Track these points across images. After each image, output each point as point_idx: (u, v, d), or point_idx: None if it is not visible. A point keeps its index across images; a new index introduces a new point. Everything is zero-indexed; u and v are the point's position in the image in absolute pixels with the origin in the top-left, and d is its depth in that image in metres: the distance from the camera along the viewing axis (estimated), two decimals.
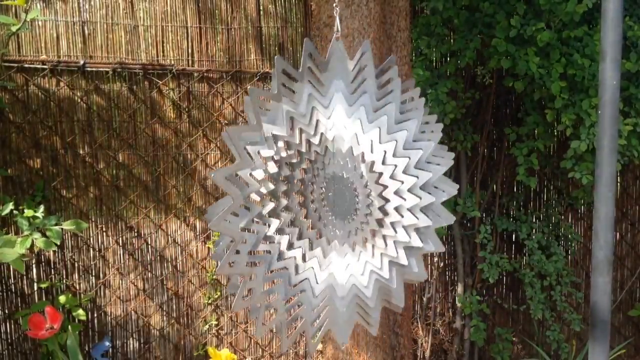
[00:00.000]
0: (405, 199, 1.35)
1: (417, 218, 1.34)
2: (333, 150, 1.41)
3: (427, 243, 1.36)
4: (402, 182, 1.35)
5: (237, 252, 1.36)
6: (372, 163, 1.37)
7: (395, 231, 1.36)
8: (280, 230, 1.41)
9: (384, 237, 1.38)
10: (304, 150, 1.40)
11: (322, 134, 1.40)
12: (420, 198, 1.34)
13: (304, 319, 1.42)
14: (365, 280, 1.38)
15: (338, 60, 1.38)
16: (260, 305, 1.39)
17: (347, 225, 1.43)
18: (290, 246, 1.41)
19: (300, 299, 1.40)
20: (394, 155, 1.36)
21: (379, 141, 1.37)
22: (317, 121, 1.39)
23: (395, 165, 1.36)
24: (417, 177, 1.34)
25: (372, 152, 1.37)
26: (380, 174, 1.38)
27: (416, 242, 1.35)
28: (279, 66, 1.35)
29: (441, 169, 1.37)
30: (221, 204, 1.35)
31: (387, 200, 1.38)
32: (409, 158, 1.35)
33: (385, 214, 1.38)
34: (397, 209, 1.36)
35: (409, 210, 1.35)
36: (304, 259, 1.41)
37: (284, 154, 1.38)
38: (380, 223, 1.38)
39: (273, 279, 1.40)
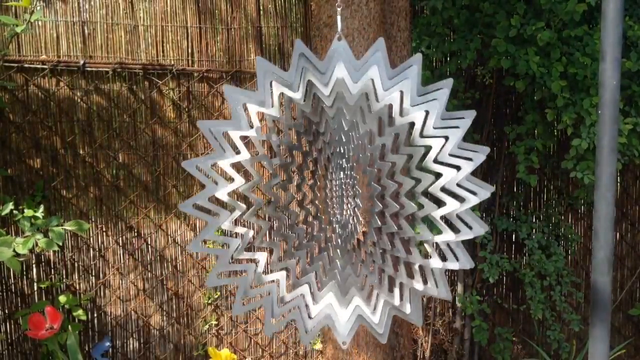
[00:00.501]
0: (423, 206, 1.13)
1: (459, 230, 1.12)
2: (332, 116, 1.24)
3: (460, 260, 1.16)
4: (419, 181, 1.10)
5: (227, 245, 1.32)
6: (396, 138, 1.08)
7: (430, 256, 1.16)
8: (252, 245, 1.32)
9: (408, 265, 1.18)
10: (291, 122, 1.26)
11: (317, 97, 1.22)
12: (441, 203, 1.10)
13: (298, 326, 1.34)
14: (377, 317, 1.23)
15: (340, 57, 1.23)
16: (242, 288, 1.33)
17: (344, 240, 1.29)
18: (274, 266, 1.31)
19: (294, 317, 1.30)
20: (422, 134, 1.08)
21: (400, 112, 1.09)
22: (309, 82, 1.21)
23: (410, 155, 1.08)
24: (436, 175, 1.09)
25: (390, 125, 1.10)
26: (393, 163, 1.10)
27: (452, 265, 1.14)
28: (261, 69, 1.25)
29: (470, 164, 1.10)
30: (200, 196, 1.33)
31: (402, 207, 1.15)
32: (446, 138, 1.06)
33: (396, 229, 1.17)
34: (409, 217, 1.13)
35: (445, 217, 1.13)
36: (298, 276, 1.31)
37: (285, 139, 1.29)
38: (405, 246, 1.18)
39: (262, 291, 1.33)
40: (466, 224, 1.13)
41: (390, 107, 1.11)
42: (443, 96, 1.09)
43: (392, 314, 1.23)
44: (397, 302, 1.20)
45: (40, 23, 2.75)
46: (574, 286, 3.43)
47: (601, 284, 1.58)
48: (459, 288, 3.36)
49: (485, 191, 1.10)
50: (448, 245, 1.14)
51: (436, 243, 1.18)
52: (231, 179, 1.32)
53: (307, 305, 1.29)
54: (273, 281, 1.34)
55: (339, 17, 1.39)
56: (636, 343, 3.73)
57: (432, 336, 3.40)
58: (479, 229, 1.12)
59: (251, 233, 1.33)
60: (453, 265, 1.13)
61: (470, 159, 1.08)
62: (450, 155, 1.08)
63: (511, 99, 3.40)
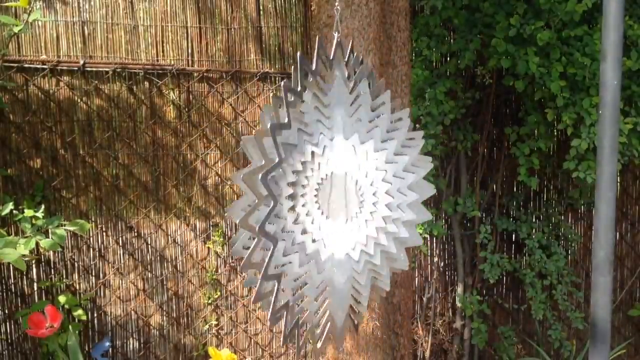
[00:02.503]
0: (393, 197, 1.56)
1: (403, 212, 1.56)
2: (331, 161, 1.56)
3: (402, 231, 1.57)
4: (391, 184, 1.57)
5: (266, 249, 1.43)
6: (367, 172, 1.60)
7: (385, 222, 1.55)
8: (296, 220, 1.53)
9: (376, 229, 1.56)
10: (309, 159, 1.52)
11: (325, 146, 1.53)
12: (393, 197, 1.57)
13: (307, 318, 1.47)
14: (357, 255, 1.55)
15: (340, 90, 1.52)
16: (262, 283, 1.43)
17: (342, 213, 1.57)
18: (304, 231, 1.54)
19: (309, 266, 1.50)
20: (386, 161, 1.59)
21: (366, 157, 1.58)
22: (324, 146, 1.53)
23: (385, 171, 1.58)
24: (391, 183, 1.57)
25: (367, 159, 1.58)
26: (385, 171, 1.55)
27: (392, 228, 1.55)
28: (300, 65, 1.42)
29: (420, 171, 1.60)
30: (240, 203, 1.45)
31: (392, 197, 1.56)
32: (397, 162, 1.59)
33: (389, 210, 1.56)
34: (374, 204, 1.57)
35: (387, 206, 1.55)
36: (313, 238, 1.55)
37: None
38: (371, 215, 1.57)
39: (292, 252, 1.49)
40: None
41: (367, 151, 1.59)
42: (398, 140, 1.60)
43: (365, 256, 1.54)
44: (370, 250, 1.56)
45: (40, 23, 2.75)
46: (574, 286, 3.43)
47: (601, 284, 1.59)
48: (459, 288, 3.36)
49: (413, 194, 1.59)
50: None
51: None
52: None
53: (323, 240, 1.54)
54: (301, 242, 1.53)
55: (337, 19, 1.40)
56: (636, 343, 3.73)
57: (432, 336, 3.40)
58: (422, 216, 1.60)
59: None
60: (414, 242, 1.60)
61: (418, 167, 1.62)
62: (395, 176, 1.59)
63: (511, 99, 3.41)
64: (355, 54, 1.58)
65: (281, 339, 1.55)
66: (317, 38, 1.43)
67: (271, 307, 1.43)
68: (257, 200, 1.39)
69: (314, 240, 1.54)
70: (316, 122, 1.51)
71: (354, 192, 1.58)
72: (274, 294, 1.42)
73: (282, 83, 1.41)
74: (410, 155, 1.61)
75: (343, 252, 1.56)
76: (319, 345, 1.65)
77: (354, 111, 1.56)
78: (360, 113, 1.57)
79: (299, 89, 1.45)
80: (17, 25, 2.39)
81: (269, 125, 1.38)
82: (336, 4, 1.48)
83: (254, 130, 2.99)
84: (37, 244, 2.37)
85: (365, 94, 1.58)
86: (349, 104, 1.55)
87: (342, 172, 1.58)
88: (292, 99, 1.43)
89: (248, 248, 1.43)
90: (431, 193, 1.63)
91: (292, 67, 1.42)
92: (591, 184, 2.89)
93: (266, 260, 1.40)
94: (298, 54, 1.44)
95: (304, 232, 1.52)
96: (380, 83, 1.64)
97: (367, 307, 1.60)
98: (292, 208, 1.49)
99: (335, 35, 1.42)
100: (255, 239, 1.40)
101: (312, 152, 1.51)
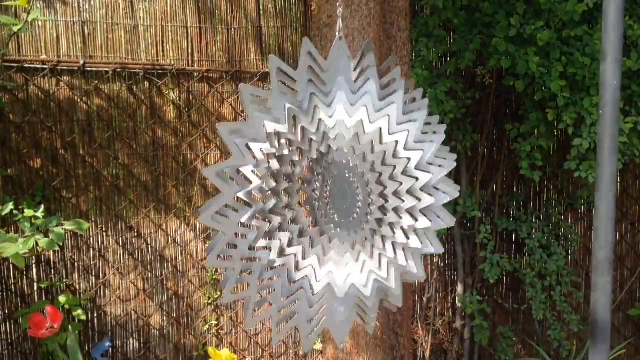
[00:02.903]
0: (404, 200, 1.33)
1: (416, 220, 1.32)
2: (335, 148, 1.38)
3: (426, 245, 1.35)
4: (401, 184, 1.33)
5: (235, 246, 1.34)
6: (384, 154, 1.32)
7: (394, 232, 1.34)
8: (280, 228, 1.38)
9: (383, 238, 1.37)
10: (306, 148, 1.37)
11: (324, 132, 1.37)
12: (420, 200, 1.32)
13: (299, 315, 1.38)
14: (364, 279, 1.36)
15: (340, 60, 1.35)
16: (251, 298, 1.35)
17: (348, 223, 1.41)
18: (290, 243, 1.39)
19: (298, 296, 1.38)
20: (394, 156, 1.34)
21: (388, 131, 1.33)
22: (320, 120, 1.36)
23: (394, 167, 1.34)
24: (417, 179, 1.32)
25: (381, 142, 1.33)
26: (380, 174, 1.36)
27: (415, 243, 1.33)
28: (274, 65, 1.30)
29: (443, 170, 1.34)
30: (215, 202, 1.32)
31: (386, 201, 1.36)
32: (409, 159, 1.32)
33: (384, 214, 1.36)
34: (395, 210, 1.34)
35: (408, 211, 1.33)
36: (304, 256, 1.39)
37: (286, 152, 1.35)
38: (379, 223, 1.37)
39: (272, 275, 1.38)
40: (439, 218, 1.38)
41: (380, 129, 1.35)
42: (422, 117, 1.37)
43: (378, 283, 1.38)
44: (383, 273, 1.37)
45: (40, 23, 2.75)
46: (574, 286, 3.43)
47: (601, 284, 1.58)
48: (459, 288, 3.36)
49: (453, 190, 1.38)
50: (425, 234, 1.37)
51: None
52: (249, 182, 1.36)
53: (311, 285, 1.38)
54: (282, 265, 1.41)
55: (339, 18, 1.39)
56: (636, 343, 3.73)
57: (432, 336, 3.40)
58: (449, 220, 1.38)
59: (263, 226, 1.37)
60: (428, 249, 1.37)
61: (441, 166, 1.37)
62: (428, 163, 1.35)
63: (511, 99, 3.40)
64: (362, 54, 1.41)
65: (272, 338, 1.44)
66: (305, 38, 1.37)
67: (248, 309, 1.33)
68: (223, 196, 1.27)
69: (298, 268, 1.35)
70: (312, 97, 1.33)
71: (362, 193, 1.37)
72: (250, 300, 1.33)
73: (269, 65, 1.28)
74: (435, 144, 1.34)
75: (346, 286, 1.35)
76: (318, 346, 1.61)
77: (358, 88, 1.36)
78: (368, 87, 1.35)
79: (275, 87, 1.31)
80: (16, 25, 2.39)
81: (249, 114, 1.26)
82: (338, 4, 1.46)
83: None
84: (36, 243, 2.37)
85: (372, 67, 1.35)
86: (351, 78, 1.36)
87: (345, 163, 1.35)
88: (259, 98, 1.32)
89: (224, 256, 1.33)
90: (456, 194, 1.39)
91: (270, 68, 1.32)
92: (592, 183, 2.89)
93: (227, 282, 1.28)
94: (270, 56, 1.31)
95: (281, 253, 1.33)
96: (391, 59, 1.46)
97: (374, 325, 1.42)
98: (273, 211, 1.31)
99: (337, 35, 1.37)
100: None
101: (311, 139, 1.36)
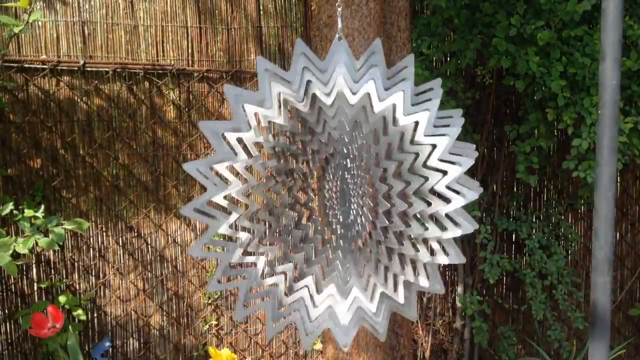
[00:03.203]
0: (412, 204, 1.16)
1: (444, 228, 1.14)
2: (334, 127, 1.24)
3: (450, 255, 1.17)
4: (427, 179, 1.13)
5: (230, 239, 1.32)
6: (388, 147, 1.14)
7: (417, 249, 1.17)
8: (261, 242, 1.32)
9: (401, 257, 1.20)
10: (298, 131, 1.26)
11: (319, 109, 1.23)
12: (430, 203, 1.14)
13: (300, 315, 1.32)
14: (374, 307, 1.24)
15: (341, 58, 1.24)
16: (244, 290, 1.32)
17: (349, 242, 1.30)
18: (282, 260, 1.31)
19: (294, 319, 1.30)
20: (412, 142, 1.14)
21: (393, 122, 1.15)
22: (314, 95, 1.23)
23: (417, 154, 1.11)
24: (427, 178, 1.14)
25: (385, 134, 1.16)
26: (401, 162, 1.16)
27: (442, 259, 1.16)
28: (261, 66, 1.24)
29: (469, 160, 1.15)
30: (201, 199, 1.30)
31: (392, 205, 1.18)
32: (433, 146, 1.10)
33: (390, 221, 1.20)
34: (419, 216, 1.16)
35: (415, 217, 1.16)
36: (296, 279, 1.30)
37: (281, 141, 1.27)
38: (398, 239, 1.20)
39: (261, 296, 1.32)
40: (455, 223, 1.16)
41: (385, 118, 1.18)
42: (434, 106, 1.17)
43: (389, 306, 1.26)
44: (391, 292, 1.23)
45: (40, 23, 2.75)
46: (574, 286, 3.43)
47: (601, 284, 1.58)
48: (459, 288, 3.35)
49: (473, 193, 1.15)
50: (439, 242, 1.17)
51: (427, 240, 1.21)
52: (228, 182, 1.31)
53: (307, 307, 1.30)
54: (273, 284, 1.34)
55: (339, 17, 1.39)
56: (636, 343, 3.72)
57: (432, 336, 3.40)
58: (468, 226, 1.15)
59: (245, 237, 1.31)
60: (442, 259, 1.16)
61: (458, 163, 1.15)
62: (440, 160, 1.14)
63: (511, 99, 3.40)
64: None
65: (266, 333, 1.38)
66: (298, 40, 1.29)
67: (238, 303, 1.29)
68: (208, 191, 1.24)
69: (288, 293, 1.27)
70: (308, 84, 1.20)
71: (361, 194, 1.25)
72: (241, 295, 1.29)
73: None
74: (451, 135, 1.14)
75: (349, 297, 1.24)
76: (318, 346, 1.59)
77: (361, 76, 1.21)
78: (373, 73, 1.19)
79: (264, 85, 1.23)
80: (17, 26, 2.39)
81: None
82: (337, 4, 1.46)
83: None
84: (35, 243, 2.38)
85: (377, 53, 1.20)
86: (354, 68, 1.21)
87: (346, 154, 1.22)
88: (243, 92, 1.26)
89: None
90: (479, 191, 1.18)
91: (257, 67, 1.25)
92: (592, 183, 2.89)
93: (219, 269, 1.24)
94: (258, 57, 1.26)
95: (271, 272, 1.24)
96: (409, 60, 1.27)
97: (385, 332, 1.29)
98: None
99: (337, 35, 1.33)
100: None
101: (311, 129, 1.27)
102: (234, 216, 1.29)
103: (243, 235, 1.31)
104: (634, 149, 2.82)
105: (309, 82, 1.22)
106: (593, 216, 1.57)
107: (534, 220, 3.43)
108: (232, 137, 1.23)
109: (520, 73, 2.83)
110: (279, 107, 1.24)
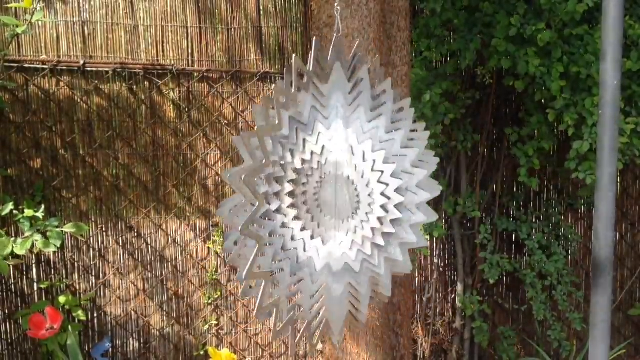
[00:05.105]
0: (389, 198, 1.52)
1: (400, 213, 1.52)
2: (332, 160, 1.54)
3: (408, 233, 1.52)
4: (387, 185, 1.53)
5: (263, 254, 1.45)
6: (363, 172, 1.57)
7: (382, 224, 1.51)
8: (284, 224, 1.52)
9: (372, 229, 1.52)
10: (307, 158, 1.52)
11: (323, 146, 1.52)
12: (389, 198, 1.51)
13: (302, 300, 1.52)
14: (354, 255, 1.53)
15: (338, 67, 1.50)
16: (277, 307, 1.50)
17: (341, 216, 1.56)
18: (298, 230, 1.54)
19: (303, 275, 1.51)
20: (385, 162, 1.54)
21: (371, 151, 1.55)
22: (319, 133, 1.51)
23: (382, 172, 1.53)
24: (402, 180, 1.54)
25: (364, 160, 1.55)
26: (381, 172, 1.51)
27: (388, 228, 1.51)
28: (294, 67, 1.44)
29: (422, 172, 1.53)
30: (230, 201, 1.47)
31: (387, 198, 1.49)
32: (382, 172, 1.54)
33: (371, 209, 1.53)
34: (382, 206, 1.52)
35: (395, 207, 1.51)
36: (312, 237, 1.55)
37: (289, 159, 1.50)
38: (366, 216, 1.55)
39: (283, 258, 1.50)
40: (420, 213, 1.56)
41: (363, 152, 1.55)
42: (406, 126, 1.56)
43: (365, 262, 1.52)
44: (368, 251, 1.53)
45: (40, 23, 2.75)
46: (574, 286, 3.43)
47: (601, 284, 1.58)
48: (459, 288, 3.35)
49: (426, 194, 1.54)
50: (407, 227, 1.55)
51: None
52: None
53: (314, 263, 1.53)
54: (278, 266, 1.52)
55: (337, 19, 1.40)
56: (636, 343, 3.72)
57: (432, 336, 3.40)
58: (422, 216, 1.54)
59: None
60: (409, 239, 1.53)
61: (413, 173, 1.55)
62: (403, 171, 1.54)
63: (511, 99, 3.40)
64: (357, 55, 1.56)
65: (271, 334, 1.56)
66: (315, 39, 1.44)
67: (257, 301, 1.45)
68: (244, 200, 1.41)
69: (305, 249, 1.51)
70: (313, 110, 1.50)
71: (353, 191, 1.55)
72: (260, 291, 1.44)
73: (274, 85, 1.44)
74: (417, 149, 1.54)
75: (341, 261, 1.52)
76: (318, 347, 1.66)
77: (353, 99, 1.53)
78: (361, 100, 1.52)
79: (292, 90, 1.45)
80: (19, 27, 2.39)
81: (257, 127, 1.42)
82: (336, 4, 1.47)
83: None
84: (33, 244, 2.38)
85: (365, 79, 1.52)
86: (347, 92, 1.52)
87: (341, 168, 1.54)
88: (285, 100, 1.45)
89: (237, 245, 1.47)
90: (438, 192, 1.56)
91: (285, 68, 1.45)
92: (591, 184, 2.89)
93: (250, 259, 1.41)
94: (293, 56, 1.46)
95: (293, 238, 1.49)
96: (380, 72, 1.61)
97: (366, 313, 1.57)
98: (278, 210, 1.48)
99: (335, 35, 1.41)
100: (245, 242, 1.43)
101: (312, 152, 1.50)
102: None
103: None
104: (635, 149, 2.82)
105: (316, 121, 1.52)
106: (593, 216, 1.57)
107: (534, 220, 3.43)
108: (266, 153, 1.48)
109: (520, 73, 2.83)
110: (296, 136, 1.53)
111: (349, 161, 1.54)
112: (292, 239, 1.50)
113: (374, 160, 1.54)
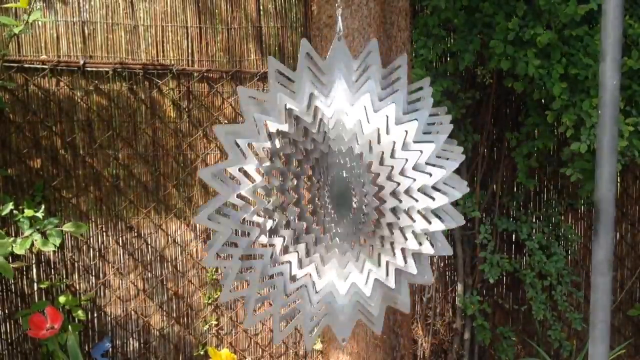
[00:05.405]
0: (401, 201, 1.25)
1: (430, 222, 1.22)
2: (333, 138, 1.33)
3: (436, 247, 1.27)
4: (414, 180, 1.22)
5: (235, 244, 1.34)
6: (382, 155, 1.25)
7: (406, 238, 1.25)
8: (273, 232, 1.36)
9: (392, 245, 1.29)
10: (301, 139, 1.34)
11: (320, 120, 1.32)
12: (434, 199, 1.21)
13: (301, 313, 1.38)
14: (369, 290, 1.30)
15: (340, 60, 1.32)
16: (252, 296, 1.35)
17: (348, 228, 1.37)
18: (286, 250, 1.36)
19: (297, 306, 1.36)
20: (403, 148, 1.25)
21: (386, 131, 1.25)
22: (316, 107, 1.31)
23: (406, 160, 1.23)
24: (431, 174, 1.22)
25: (379, 143, 1.27)
26: (392, 167, 1.26)
27: (427, 249, 1.24)
28: (273, 67, 1.30)
29: (454, 164, 1.24)
30: (212, 204, 1.32)
31: (383, 202, 1.29)
32: (421, 152, 1.23)
33: (382, 215, 1.29)
34: (407, 211, 1.25)
35: (420, 212, 1.24)
36: (300, 264, 1.36)
37: (279, 146, 1.34)
38: (389, 229, 1.28)
39: (268, 285, 1.37)
40: (440, 219, 1.28)
41: (378, 130, 1.29)
42: (423, 117, 1.29)
43: (383, 293, 1.32)
44: (383, 276, 1.30)
45: (40, 23, 2.75)
46: (574, 286, 3.43)
47: (601, 284, 1.58)
48: (459, 288, 3.35)
49: (456, 192, 1.26)
50: (426, 234, 1.27)
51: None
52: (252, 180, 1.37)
53: (313, 285, 1.36)
54: (278, 273, 1.40)
55: (339, 18, 1.39)
56: (636, 343, 3.72)
57: (432, 336, 3.40)
58: (452, 222, 1.26)
59: (270, 223, 1.37)
60: (428, 249, 1.26)
61: (443, 166, 1.25)
62: (427, 163, 1.25)
63: (511, 99, 3.40)
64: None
65: (274, 337, 1.43)
66: (304, 39, 1.34)
67: (248, 307, 1.33)
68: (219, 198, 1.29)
69: (301, 265, 1.34)
70: (310, 85, 1.29)
71: (358, 194, 1.33)
72: (249, 306, 1.33)
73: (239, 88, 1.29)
74: (442, 137, 1.25)
75: (344, 284, 1.32)
76: (318, 346, 1.60)
77: (359, 76, 1.31)
78: (370, 73, 1.29)
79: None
80: (17, 26, 2.39)
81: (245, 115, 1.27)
82: (336, 4, 1.46)
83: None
84: (32, 243, 2.38)
85: (374, 52, 1.29)
86: (351, 77, 1.31)
87: (344, 159, 1.30)
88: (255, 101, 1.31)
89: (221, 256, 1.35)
90: (465, 190, 1.28)
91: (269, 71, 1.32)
92: (587, 184, 2.90)
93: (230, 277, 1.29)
94: (269, 57, 1.32)
95: (285, 251, 1.32)
96: (401, 59, 1.37)
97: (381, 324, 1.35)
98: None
99: (337, 35, 1.36)
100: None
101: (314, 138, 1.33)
102: (256, 207, 1.34)
103: (262, 221, 1.37)
104: (634, 150, 2.82)
105: (312, 95, 1.31)
106: (593, 216, 1.57)
107: (534, 220, 3.43)
108: (243, 143, 1.31)
109: (519, 74, 2.83)
110: (287, 117, 1.32)
111: (356, 142, 1.27)
112: (275, 261, 1.34)
113: (394, 143, 1.23)
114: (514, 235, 3.47)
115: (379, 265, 1.31)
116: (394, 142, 1.25)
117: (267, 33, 3.06)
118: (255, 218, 1.37)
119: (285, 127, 1.33)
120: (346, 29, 2.24)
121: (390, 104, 1.27)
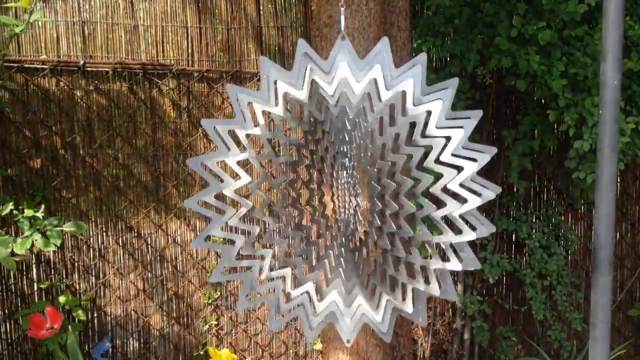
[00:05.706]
0: (422, 207, 1.09)
1: (460, 231, 1.06)
2: (336, 115, 1.21)
3: (464, 260, 1.11)
4: (418, 181, 1.06)
5: (233, 242, 1.32)
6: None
7: (430, 257, 1.13)
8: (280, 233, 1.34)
9: (408, 265, 1.14)
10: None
11: (319, 93, 1.22)
12: (466, 200, 1.06)
13: (302, 320, 1.35)
14: (380, 316, 1.20)
15: (343, 57, 1.24)
16: (247, 279, 1.33)
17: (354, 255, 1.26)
18: (286, 258, 1.32)
19: (299, 313, 1.31)
20: (423, 135, 1.08)
21: (412, 102, 1.07)
22: (313, 81, 1.21)
23: (447, 139, 1.03)
24: (459, 169, 1.05)
25: (403, 113, 1.07)
26: (393, 163, 1.09)
27: (455, 265, 1.10)
28: (265, 68, 1.26)
29: (486, 156, 1.07)
30: (203, 193, 1.31)
31: (419, 207, 1.11)
32: (447, 138, 1.05)
33: (399, 227, 1.14)
34: (411, 217, 1.11)
35: (445, 218, 1.08)
36: (296, 283, 1.30)
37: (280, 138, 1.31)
38: (405, 247, 1.16)
39: (262, 301, 1.35)
40: (470, 225, 1.10)
41: (393, 106, 1.12)
42: (448, 96, 1.10)
43: (395, 314, 1.23)
44: (399, 301, 1.19)
45: (40, 23, 2.75)
46: (574, 286, 3.43)
47: (601, 284, 1.58)
48: (459, 288, 3.35)
49: (490, 192, 1.08)
50: (452, 245, 1.11)
51: (439, 243, 1.16)
52: (237, 177, 1.31)
53: (312, 302, 1.29)
54: (277, 278, 1.34)
55: (342, 17, 1.38)
56: (636, 343, 3.72)
57: (432, 336, 3.40)
58: (483, 230, 1.09)
59: (257, 230, 1.32)
60: (454, 266, 1.09)
61: (474, 159, 1.07)
62: (454, 155, 1.07)
63: (511, 100, 3.40)
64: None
65: (268, 324, 1.37)
66: (300, 39, 1.28)
67: (241, 293, 1.30)
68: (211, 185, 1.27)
69: (296, 278, 1.28)
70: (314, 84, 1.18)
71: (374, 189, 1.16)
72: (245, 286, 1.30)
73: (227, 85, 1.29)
74: (472, 122, 1.06)
75: (350, 310, 1.23)
76: (318, 346, 1.58)
77: (366, 64, 1.17)
78: (380, 59, 1.14)
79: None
80: (18, 26, 2.39)
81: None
82: (340, 4, 1.45)
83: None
84: (33, 243, 2.38)
85: (385, 43, 1.15)
86: (355, 57, 1.19)
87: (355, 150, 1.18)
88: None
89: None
90: (498, 189, 1.10)
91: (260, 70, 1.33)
92: (592, 184, 2.89)
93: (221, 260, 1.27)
94: (261, 57, 1.28)
95: (280, 262, 1.26)
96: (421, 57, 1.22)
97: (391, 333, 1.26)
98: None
99: (340, 35, 1.31)
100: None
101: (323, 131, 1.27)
102: (242, 210, 1.30)
103: (251, 228, 1.32)
104: (636, 149, 2.82)
105: (313, 81, 1.23)
106: (593, 216, 1.57)
107: (534, 220, 3.43)
108: (241, 133, 1.25)
109: (521, 72, 2.83)
110: (285, 104, 1.27)
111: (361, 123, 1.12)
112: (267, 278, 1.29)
113: (428, 112, 1.01)
114: (514, 235, 3.47)
115: (393, 290, 1.19)
116: (429, 113, 1.05)
117: (267, 33, 3.06)
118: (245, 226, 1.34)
119: (280, 112, 1.27)
120: (346, 29, 2.24)
121: (407, 79, 1.12)
